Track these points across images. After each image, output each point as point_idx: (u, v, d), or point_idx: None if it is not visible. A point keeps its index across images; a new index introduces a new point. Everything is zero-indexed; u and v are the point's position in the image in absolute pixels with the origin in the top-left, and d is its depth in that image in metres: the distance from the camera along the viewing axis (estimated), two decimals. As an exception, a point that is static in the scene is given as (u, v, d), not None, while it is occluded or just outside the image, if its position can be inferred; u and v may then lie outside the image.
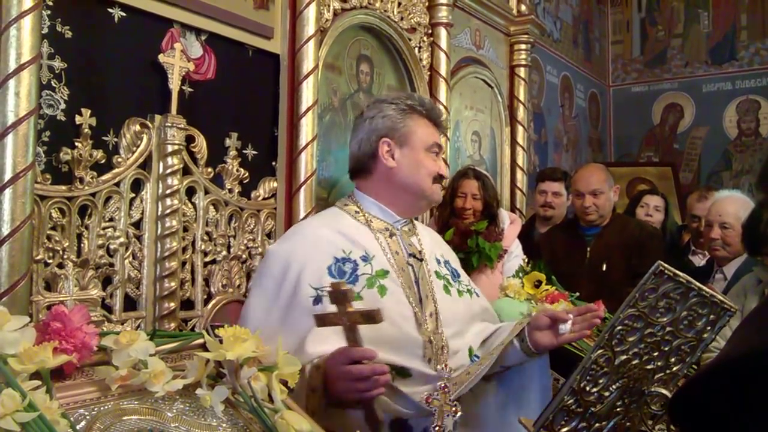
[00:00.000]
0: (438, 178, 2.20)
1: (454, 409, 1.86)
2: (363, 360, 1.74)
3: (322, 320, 1.79)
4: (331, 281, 1.89)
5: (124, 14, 2.54)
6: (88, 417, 1.31)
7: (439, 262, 2.25)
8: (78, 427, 1.28)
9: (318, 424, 1.62)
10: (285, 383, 1.58)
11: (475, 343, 2.20)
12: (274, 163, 3.12)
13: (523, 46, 5.15)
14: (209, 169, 2.81)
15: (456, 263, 2.40)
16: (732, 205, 3.65)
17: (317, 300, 1.93)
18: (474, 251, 3.47)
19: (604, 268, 3.74)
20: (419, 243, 2.22)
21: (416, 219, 3.63)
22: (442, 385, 1.87)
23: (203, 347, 1.52)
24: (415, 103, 2.21)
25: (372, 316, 1.71)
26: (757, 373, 0.88)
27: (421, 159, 2.16)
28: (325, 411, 1.78)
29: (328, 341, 1.85)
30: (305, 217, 3.05)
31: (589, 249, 3.85)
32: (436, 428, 1.85)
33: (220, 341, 1.47)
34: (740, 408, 0.90)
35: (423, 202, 2.23)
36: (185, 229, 2.71)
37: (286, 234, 2.23)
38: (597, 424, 1.82)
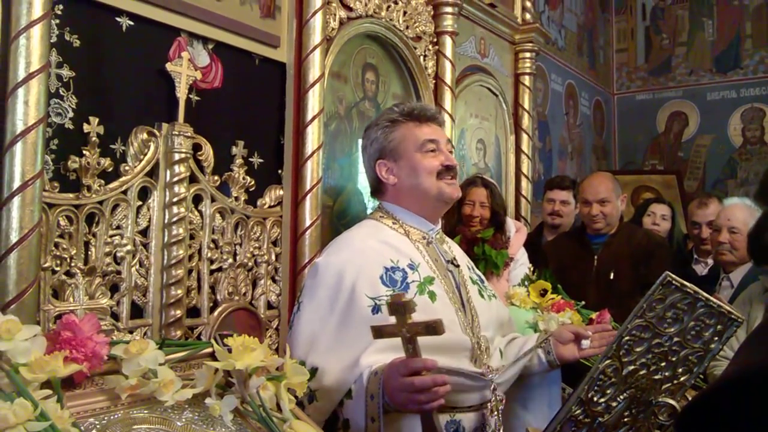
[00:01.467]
0: (443, 171, 2.18)
1: (501, 406, 1.97)
2: (423, 371, 1.72)
3: (380, 332, 1.77)
4: (385, 290, 1.97)
5: (131, 23, 2.55)
6: (98, 426, 1.31)
7: (469, 269, 2.32)
8: (88, 437, 1.28)
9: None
10: (293, 392, 1.58)
11: (502, 346, 2.29)
12: (280, 171, 3.13)
13: (527, 55, 5.16)
14: (216, 177, 2.82)
15: (479, 271, 2.46)
16: (741, 210, 3.65)
17: (375, 309, 1.95)
18: (480, 258, 3.48)
19: (612, 276, 3.73)
20: (450, 250, 2.28)
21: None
22: (492, 387, 1.98)
23: (212, 356, 1.53)
24: (394, 115, 2.24)
25: (434, 328, 1.68)
26: (766, 389, 0.88)
27: (417, 162, 2.17)
28: (384, 417, 1.80)
29: (384, 352, 1.87)
30: (311, 225, 3.06)
31: (596, 257, 3.84)
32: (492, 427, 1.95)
33: (229, 350, 1.47)
34: (751, 424, 0.90)
35: (437, 202, 2.21)
36: (192, 237, 2.72)
37: (332, 246, 2.22)
38: (604, 434, 1.82)
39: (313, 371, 1.91)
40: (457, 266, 2.22)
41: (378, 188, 2.29)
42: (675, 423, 1.78)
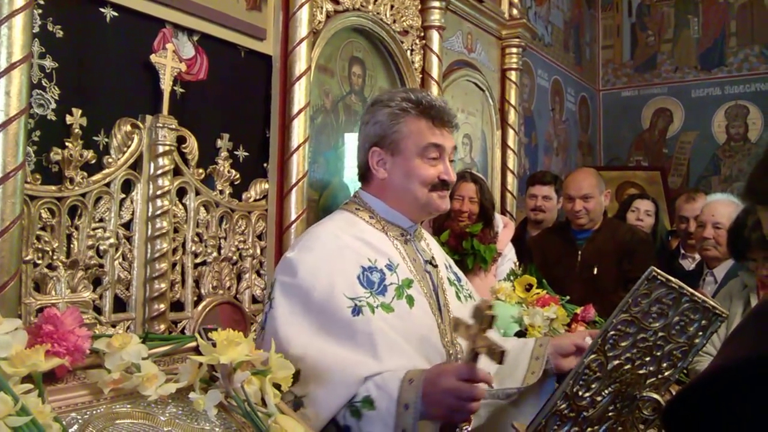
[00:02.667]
0: (439, 184, 1.99)
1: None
2: (479, 382, 1.65)
3: (457, 325, 1.70)
4: (363, 291, 1.83)
5: (116, 14, 2.52)
6: (80, 421, 1.30)
7: (447, 268, 2.17)
8: (70, 431, 1.27)
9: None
10: (278, 387, 1.57)
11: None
12: (265, 165, 3.12)
13: (514, 50, 5.17)
14: (200, 170, 2.80)
15: (456, 267, 2.30)
16: (725, 206, 3.68)
17: (356, 310, 1.80)
18: (469, 253, 3.49)
19: (595, 271, 3.75)
20: (428, 248, 2.12)
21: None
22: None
23: (196, 350, 1.51)
24: (410, 105, 1.98)
25: (496, 355, 1.59)
26: (751, 382, 0.88)
27: (413, 167, 1.96)
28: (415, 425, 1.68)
29: (405, 355, 1.79)
30: (296, 219, 3.04)
31: (580, 253, 3.86)
32: None
33: (214, 345, 1.46)
34: (734, 417, 0.90)
35: (422, 211, 2.05)
36: (175, 231, 2.70)
37: (303, 240, 2.00)
38: (589, 429, 1.82)
39: (295, 374, 1.71)
40: (435, 266, 2.07)
41: (364, 175, 2.07)
42: (660, 416, 1.78)
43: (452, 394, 1.63)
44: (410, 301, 1.90)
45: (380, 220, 2.02)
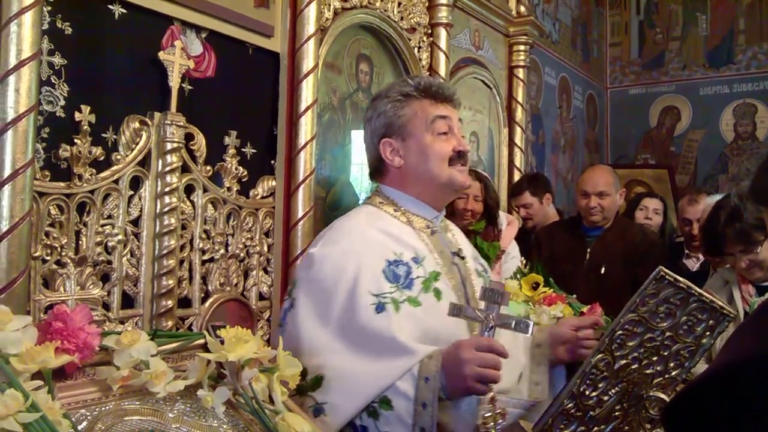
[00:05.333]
0: (455, 158, 1.97)
1: (502, 417, 1.75)
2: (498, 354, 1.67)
3: (458, 311, 1.73)
4: (389, 286, 1.80)
5: (124, 11, 2.53)
6: (89, 417, 1.30)
7: (474, 259, 2.14)
8: (79, 428, 1.27)
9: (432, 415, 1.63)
10: (286, 384, 1.58)
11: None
12: (273, 162, 3.12)
13: (521, 47, 5.16)
14: (208, 167, 2.81)
15: (483, 260, 2.26)
16: None
17: (380, 307, 1.77)
18: (472, 251, 3.48)
19: (603, 271, 3.74)
20: (455, 239, 2.09)
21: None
22: (491, 397, 1.71)
23: (204, 348, 1.52)
24: (409, 89, 2.00)
25: (523, 326, 1.64)
26: (753, 381, 0.88)
27: (427, 144, 1.95)
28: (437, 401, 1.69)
29: (424, 348, 1.75)
30: (303, 216, 3.05)
31: (589, 250, 3.84)
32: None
33: (222, 342, 1.46)
34: (736, 416, 0.90)
35: (446, 190, 2.01)
36: (183, 227, 2.70)
37: (327, 235, 1.97)
38: (596, 428, 1.82)
39: (318, 380, 1.74)
40: (463, 258, 2.03)
41: (379, 169, 2.06)
42: (662, 415, 1.78)
43: (473, 363, 1.64)
44: (437, 294, 1.86)
45: (405, 213, 1.99)
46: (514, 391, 1.97)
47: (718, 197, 3.93)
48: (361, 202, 3.08)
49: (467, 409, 1.74)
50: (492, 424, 1.68)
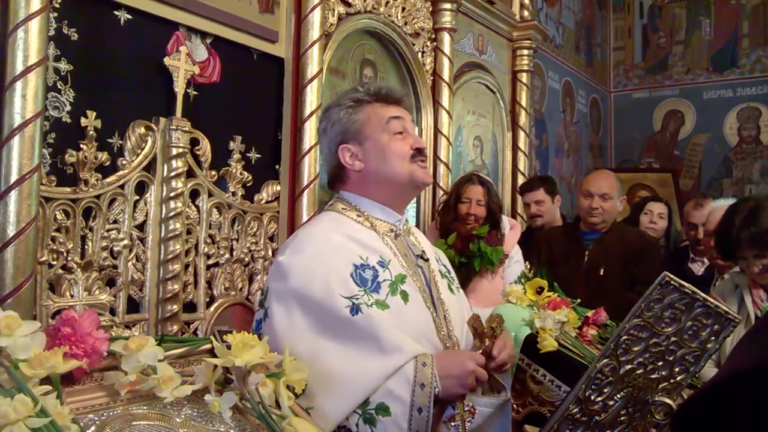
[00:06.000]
0: (415, 154, 1.99)
1: (471, 414, 1.83)
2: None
3: (476, 325, 1.87)
4: (357, 290, 1.81)
5: (130, 17, 2.54)
6: (97, 422, 1.31)
7: (437, 261, 2.15)
8: (87, 432, 1.28)
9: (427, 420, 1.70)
10: (292, 389, 1.58)
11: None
12: (277, 167, 3.13)
13: (525, 52, 5.17)
14: (213, 172, 2.82)
15: (446, 260, 2.28)
16: None
17: (354, 309, 1.78)
18: (476, 255, 3.48)
19: (602, 272, 3.74)
20: (418, 242, 2.10)
21: (417, 221, 3.64)
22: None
23: (211, 353, 1.52)
24: (360, 95, 2.03)
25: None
26: (756, 392, 0.88)
27: (384, 144, 1.97)
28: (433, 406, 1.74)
29: (410, 349, 1.79)
30: (307, 220, 3.05)
31: (587, 253, 3.85)
32: None
33: (228, 347, 1.47)
34: (744, 424, 0.90)
35: (409, 188, 2.03)
36: (188, 232, 2.72)
37: (293, 243, 1.96)
38: (601, 433, 1.82)
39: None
40: (427, 260, 2.04)
41: (339, 176, 2.06)
42: (670, 422, 1.79)
43: (474, 375, 1.77)
44: (405, 296, 1.87)
45: (368, 218, 2.00)
46: (477, 391, 1.98)
47: (723, 201, 3.93)
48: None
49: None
50: (460, 421, 1.77)
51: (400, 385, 1.73)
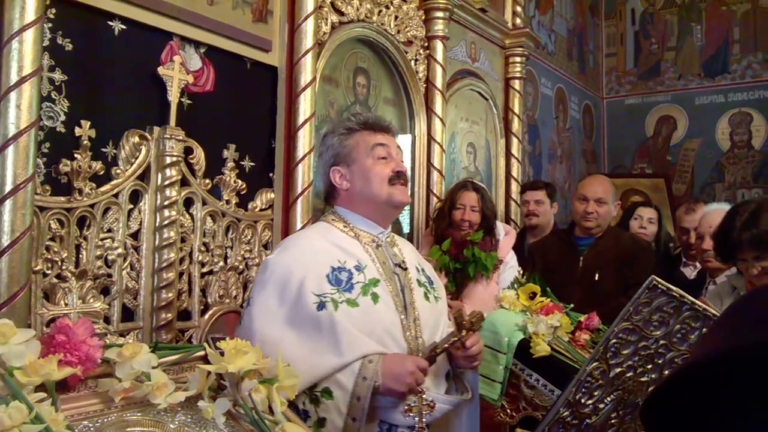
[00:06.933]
0: (394, 177, 2.25)
1: (429, 408, 2.02)
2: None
3: (458, 317, 2.12)
4: (330, 288, 2.06)
5: (124, 27, 2.56)
6: (92, 429, 1.32)
7: (418, 271, 2.36)
8: (81, 439, 1.29)
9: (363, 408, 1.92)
10: (285, 395, 1.59)
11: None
12: (271, 175, 3.15)
13: (517, 59, 5.20)
14: (207, 181, 2.83)
15: (431, 271, 2.48)
16: (722, 216, 3.67)
17: (320, 306, 2.02)
18: (470, 261, 3.50)
19: (597, 277, 3.76)
20: (401, 253, 2.33)
21: (411, 228, 3.66)
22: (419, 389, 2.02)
23: (204, 359, 1.54)
24: (351, 124, 2.32)
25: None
26: (721, 377, 0.90)
27: (368, 168, 2.25)
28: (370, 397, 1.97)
29: (366, 348, 2.02)
30: (302, 228, 3.07)
31: (582, 258, 3.87)
32: (419, 430, 2.00)
33: (222, 354, 1.48)
34: (705, 412, 0.91)
35: (387, 207, 2.29)
36: (183, 240, 2.73)
37: (282, 245, 2.29)
38: (592, 436, 1.84)
39: None
40: (405, 269, 2.28)
41: (331, 194, 2.35)
42: (639, 412, 1.80)
43: (413, 377, 1.97)
44: (375, 298, 2.12)
45: (353, 228, 2.27)
46: (442, 387, 2.21)
47: (715, 205, 3.96)
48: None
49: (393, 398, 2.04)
50: (417, 413, 1.97)
51: (346, 375, 1.98)
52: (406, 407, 2.00)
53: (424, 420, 2.00)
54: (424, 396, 2.02)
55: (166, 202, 2.61)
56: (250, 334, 2.01)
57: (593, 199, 3.88)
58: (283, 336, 2.00)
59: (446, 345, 2.10)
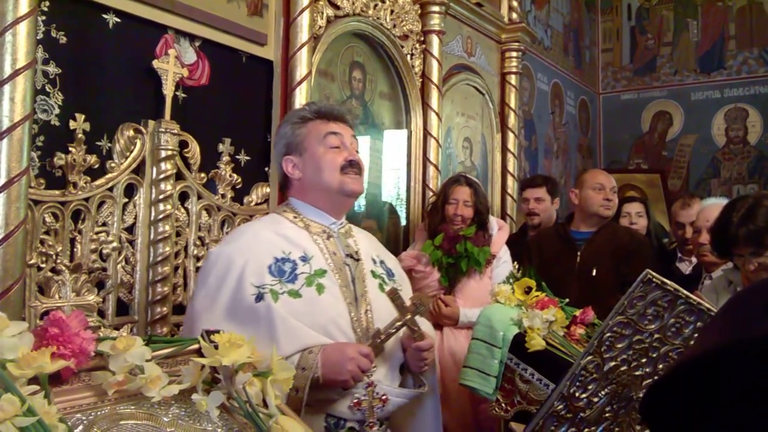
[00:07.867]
0: (347, 166, 2.20)
1: (381, 402, 2.00)
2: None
3: (394, 297, 2.08)
4: (271, 279, 2.02)
5: (118, 20, 2.55)
6: (85, 421, 1.32)
7: (374, 262, 2.31)
8: (75, 432, 1.29)
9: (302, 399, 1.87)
10: (279, 388, 1.59)
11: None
12: (266, 169, 3.14)
13: (514, 54, 5.20)
14: (202, 175, 2.83)
15: (392, 263, 2.44)
16: (719, 211, 3.68)
17: (258, 297, 1.99)
18: (463, 256, 3.50)
19: (594, 273, 3.77)
20: (355, 244, 2.29)
21: (407, 222, 3.66)
22: (368, 382, 2.00)
23: (198, 352, 1.54)
24: (305, 113, 2.28)
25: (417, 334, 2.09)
26: (717, 372, 0.90)
27: (320, 157, 2.20)
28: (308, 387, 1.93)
29: (304, 340, 1.98)
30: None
31: (579, 253, 3.87)
32: (370, 425, 1.99)
33: (216, 347, 1.48)
34: (712, 403, 0.92)
35: (340, 196, 2.23)
36: (178, 234, 2.72)
37: (228, 236, 2.32)
38: (586, 430, 1.84)
39: None
40: (358, 260, 2.23)
41: (285, 184, 2.31)
42: (639, 406, 1.80)
43: (355, 362, 1.93)
44: (320, 288, 2.08)
45: (303, 219, 2.23)
46: (395, 380, 2.16)
47: (711, 200, 3.97)
48: (357, 209, 3.10)
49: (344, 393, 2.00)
50: (367, 407, 1.96)
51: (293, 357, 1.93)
52: (355, 401, 1.98)
53: (375, 414, 1.97)
54: (375, 389, 1.99)
55: (161, 196, 2.61)
56: (192, 322, 2.03)
57: (609, 188, 3.92)
58: (222, 327, 1.92)
59: (391, 330, 2.04)
